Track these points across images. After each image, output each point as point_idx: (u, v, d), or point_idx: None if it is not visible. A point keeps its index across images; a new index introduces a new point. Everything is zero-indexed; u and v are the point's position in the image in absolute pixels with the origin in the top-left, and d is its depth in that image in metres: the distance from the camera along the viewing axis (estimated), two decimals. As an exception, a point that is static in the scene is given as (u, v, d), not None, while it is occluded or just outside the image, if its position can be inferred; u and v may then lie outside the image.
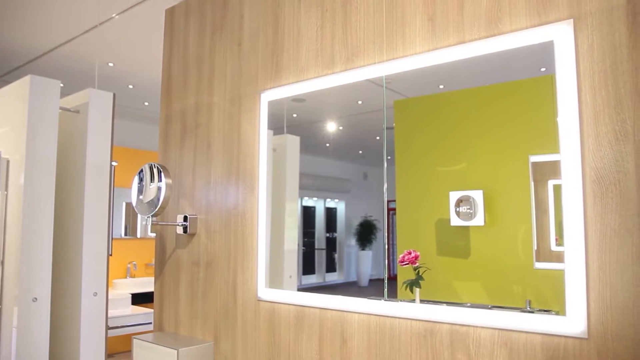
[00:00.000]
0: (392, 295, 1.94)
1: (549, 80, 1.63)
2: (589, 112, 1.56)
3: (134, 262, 6.28)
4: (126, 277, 6.19)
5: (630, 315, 1.45)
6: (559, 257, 1.57)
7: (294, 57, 2.41)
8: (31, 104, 2.74)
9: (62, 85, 2.93)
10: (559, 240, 1.57)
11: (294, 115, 2.44)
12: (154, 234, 3.46)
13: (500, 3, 1.77)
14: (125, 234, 6.30)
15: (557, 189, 1.59)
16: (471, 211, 1.75)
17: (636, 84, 1.49)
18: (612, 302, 1.48)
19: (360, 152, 2.25)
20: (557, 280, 1.56)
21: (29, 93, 2.74)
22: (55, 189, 2.83)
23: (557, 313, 1.56)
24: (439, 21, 1.92)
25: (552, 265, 1.59)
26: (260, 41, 2.58)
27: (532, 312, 1.61)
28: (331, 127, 2.32)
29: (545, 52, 1.65)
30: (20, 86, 2.83)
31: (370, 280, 2.16)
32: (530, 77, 1.71)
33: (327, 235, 2.41)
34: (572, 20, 1.61)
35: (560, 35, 1.62)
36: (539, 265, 1.62)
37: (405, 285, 1.88)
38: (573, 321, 1.53)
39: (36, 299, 2.68)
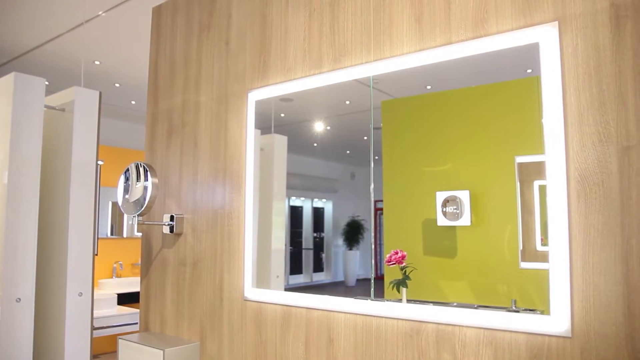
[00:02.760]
0: (379, 295, 1.95)
1: (535, 81, 1.64)
2: (574, 114, 1.58)
3: (120, 262, 6.23)
4: (112, 277, 6.14)
5: (613, 314, 1.47)
6: (544, 257, 1.58)
7: (282, 56, 2.41)
8: (15, 102, 2.70)
9: (47, 83, 2.90)
10: (544, 240, 1.59)
11: (282, 114, 2.44)
12: (140, 234, 3.44)
13: (487, 5, 1.79)
14: (112, 234, 6.25)
15: (543, 189, 1.60)
16: (458, 211, 1.76)
17: (619, 86, 1.51)
18: (595, 302, 1.50)
19: (348, 152, 2.25)
20: (542, 280, 1.58)
21: (13, 91, 2.70)
22: (40, 188, 2.80)
23: (542, 312, 1.58)
24: (426, 22, 1.93)
25: (537, 265, 1.60)
26: (247, 40, 2.57)
27: (518, 311, 1.62)
28: (319, 126, 2.32)
29: (531, 53, 1.66)
30: (4, 84, 2.79)
31: (358, 280, 2.16)
32: (517, 78, 1.73)
33: (315, 235, 2.41)
34: (557, 22, 1.63)
35: (546, 37, 1.64)
36: (525, 265, 1.63)
37: (392, 285, 1.89)
38: (557, 320, 1.54)
39: (20, 299, 2.64)
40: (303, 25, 2.34)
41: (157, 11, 3.11)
